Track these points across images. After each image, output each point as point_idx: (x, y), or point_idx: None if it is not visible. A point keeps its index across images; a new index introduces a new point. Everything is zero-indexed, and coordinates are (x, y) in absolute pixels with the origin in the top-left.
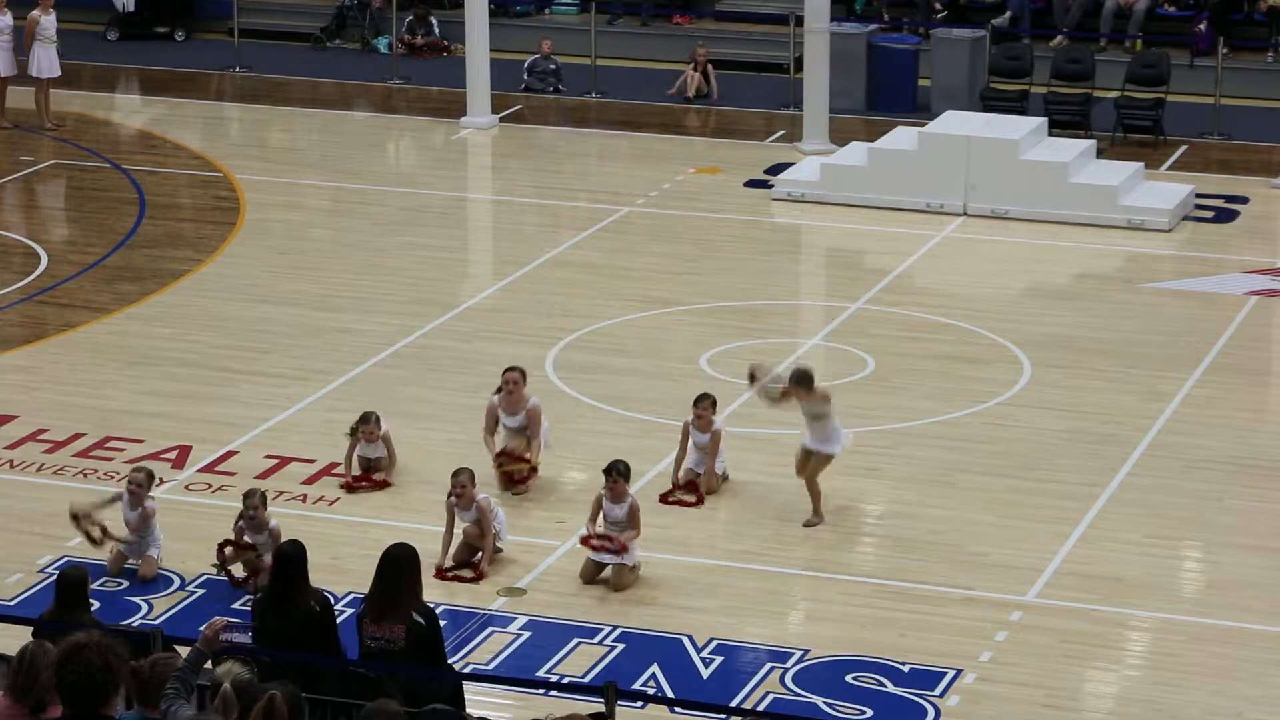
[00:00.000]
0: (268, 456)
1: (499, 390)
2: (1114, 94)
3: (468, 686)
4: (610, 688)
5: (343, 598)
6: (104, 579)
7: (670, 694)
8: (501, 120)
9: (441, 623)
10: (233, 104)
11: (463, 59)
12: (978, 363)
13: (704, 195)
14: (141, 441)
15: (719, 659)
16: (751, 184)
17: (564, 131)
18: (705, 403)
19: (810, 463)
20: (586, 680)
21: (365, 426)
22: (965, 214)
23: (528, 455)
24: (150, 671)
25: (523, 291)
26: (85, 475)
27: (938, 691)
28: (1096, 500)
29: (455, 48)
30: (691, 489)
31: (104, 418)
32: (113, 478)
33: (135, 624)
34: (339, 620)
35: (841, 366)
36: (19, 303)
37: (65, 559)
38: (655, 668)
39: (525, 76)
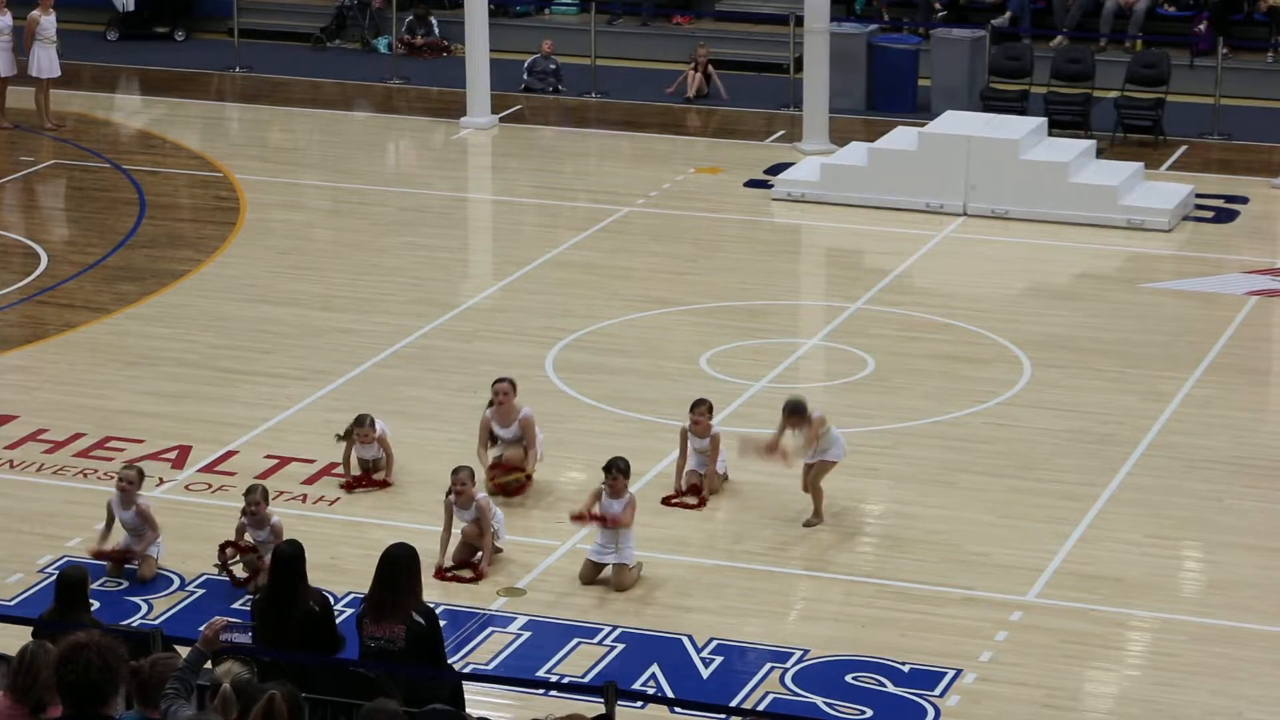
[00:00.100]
0: (268, 456)
1: (490, 404)
2: (1114, 94)
3: (468, 686)
4: (610, 688)
5: (343, 598)
6: (104, 579)
7: (670, 694)
8: (501, 120)
9: (441, 623)
10: (233, 104)
11: (463, 59)
12: (978, 363)
13: (704, 195)
14: (141, 441)
15: (719, 659)
16: (751, 184)
17: (564, 131)
18: (701, 408)
19: (813, 470)
20: (586, 680)
21: (360, 429)
22: (965, 214)
23: (523, 465)
24: (150, 671)
25: (523, 291)
26: (85, 475)
27: (938, 691)
28: (1096, 500)
29: (455, 48)
30: (694, 492)
31: (104, 418)
32: (112, 478)
33: (135, 624)
34: (339, 620)
35: (841, 366)
36: (19, 303)
37: (65, 559)
38: (655, 668)
39: (525, 76)
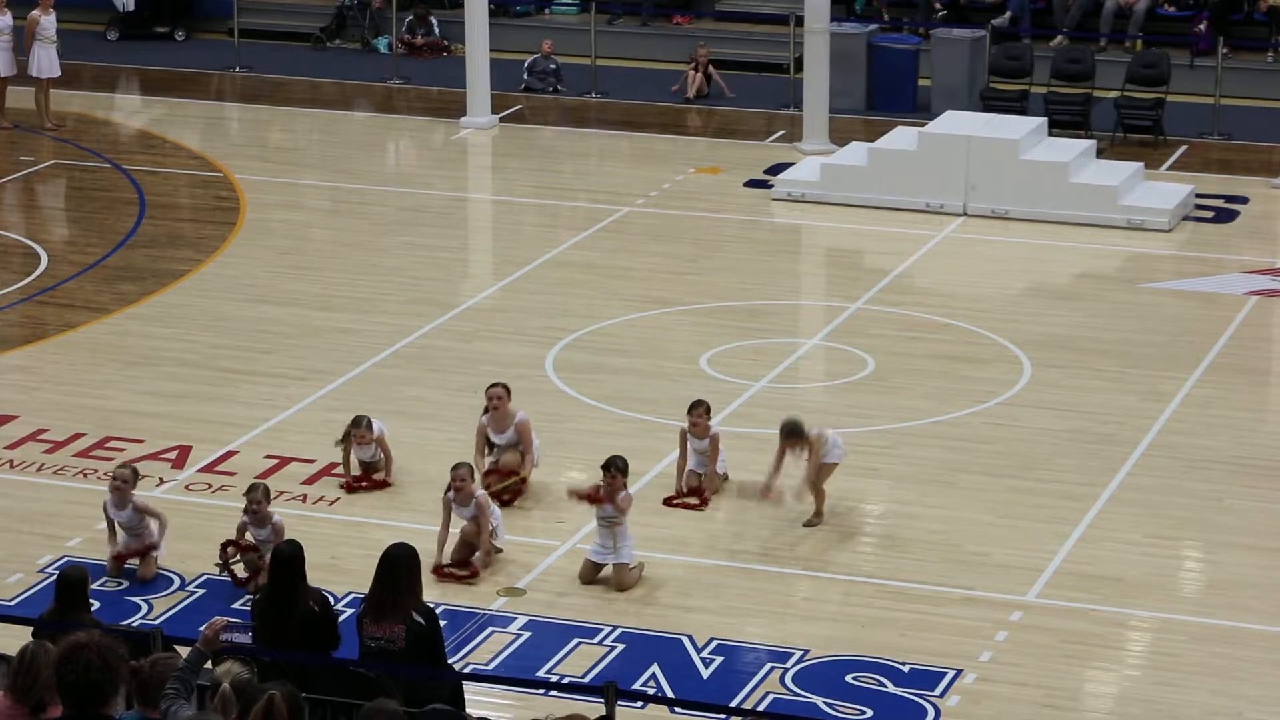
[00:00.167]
0: (268, 456)
1: (486, 410)
2: (1114, 94)
3: (468, 686)
4: (610, 688)
5: (343, 598)
6: (104, 579)
7: (670, 694)
8: (501, 120)
9: (441, 623)
10: (233, 104)
11: (463, 59)
12: (978, 363)
13: (704, 195)
14: (141, 441)
15: (719, 659)
16: (751, 184)
17: (564, 131)
18: (699, 409)
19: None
20: (586, 680)
21: (356, 430)
22: (965, 214)
23: (518, 470)
24: (150, 671)
25: (523, 291)
26: (85, 475)
27: (938, 691)
28: (1096, 500)
29: (455, 48)
30: (696, 493)
31: (104, 418)
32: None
33: (135, 624)
34: (339, 620)
35: (841, 366)
36: (19, 303)
37: (65, 559)
38: (655, 668)
39: (525, 76)
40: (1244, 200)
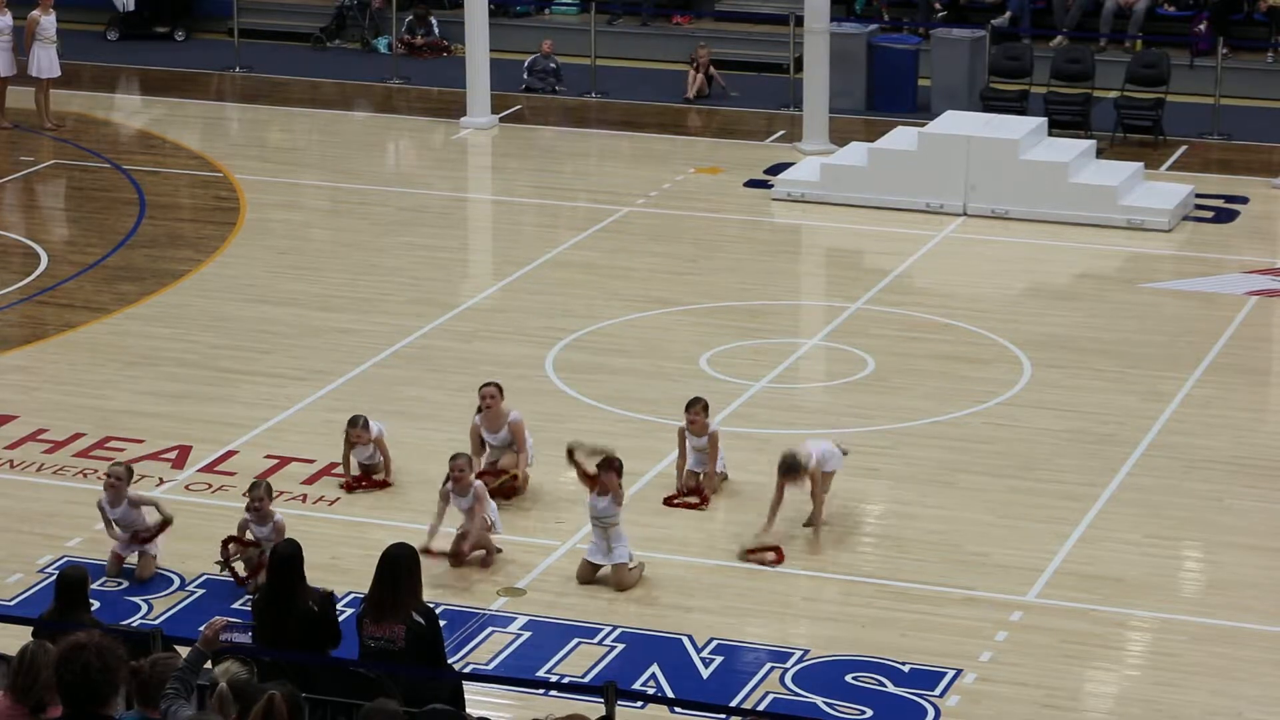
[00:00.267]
0: (268, 456)
1: (479, 410)
2: (1114, 94)
3: (468, 686)
4: (610, 688)
5: (343, 598)
6: (104, 579)
7: (670, 694)
8: (501, 120)
9: (441, 623)
10: (233, 104)
11: (463, 59)
12: (978, 363)
13: (704, 195)
14: (141, 441)
15: (719, 659)
16: (751, 184)
17: (564, 131)
18: (697, 407)
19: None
20: (586, 680)
21: (353, 429)
22: (965, 214)
23: (512, 469)
24: (150, 671)
25: (522, 291)
26: (85, 475)
27: (938, 691)
28: (1096, 500)
29: (455, 48)
30: (696, 493)
31: (104, 418)
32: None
33: (135, 624)
34: (340, 620)
35: (841, 366)
36: (19, 303)
37: (65, 559)
38: (655, 668)
39: (525, 76)
40: (1244, 200)
